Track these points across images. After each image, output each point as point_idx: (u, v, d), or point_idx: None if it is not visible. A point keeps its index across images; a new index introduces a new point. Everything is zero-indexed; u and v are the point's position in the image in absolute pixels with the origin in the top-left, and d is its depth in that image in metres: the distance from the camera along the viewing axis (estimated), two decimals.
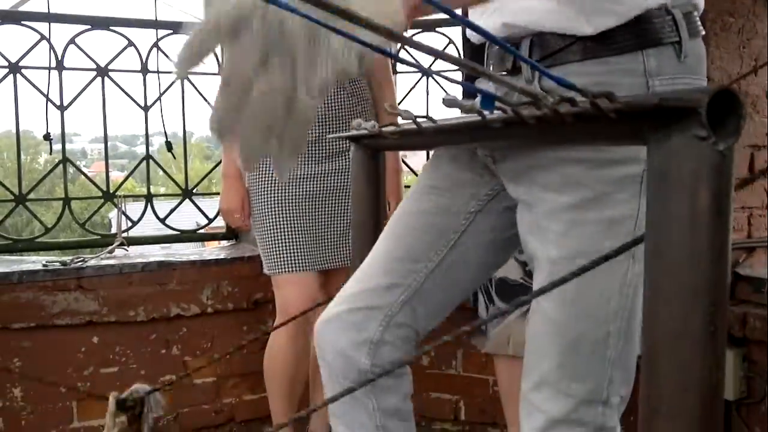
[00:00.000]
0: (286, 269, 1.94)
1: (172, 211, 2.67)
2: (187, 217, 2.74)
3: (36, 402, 2.19)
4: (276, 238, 1.94)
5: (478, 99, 0.76)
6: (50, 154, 2.53)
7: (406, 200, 1.21)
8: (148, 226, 2.76)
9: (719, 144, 0.57)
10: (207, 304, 2.38)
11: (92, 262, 2.26)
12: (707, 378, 0.57)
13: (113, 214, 2.56)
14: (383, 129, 1.12)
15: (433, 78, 2.73)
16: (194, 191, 2.65)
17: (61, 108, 2.39)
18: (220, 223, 2.77)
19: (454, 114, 0.96)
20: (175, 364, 2.36)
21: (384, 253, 1.18)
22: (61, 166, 2.46)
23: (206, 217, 2.77)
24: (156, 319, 2.32)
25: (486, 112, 0.74)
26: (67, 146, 2.51)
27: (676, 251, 0.57)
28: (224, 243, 2.78)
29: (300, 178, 1.95)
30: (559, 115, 0.64)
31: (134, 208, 2.56)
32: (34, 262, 2.28)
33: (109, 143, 2.74)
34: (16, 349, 2.15)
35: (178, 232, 2.66)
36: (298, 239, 1.94)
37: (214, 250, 2.62)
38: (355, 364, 1.14)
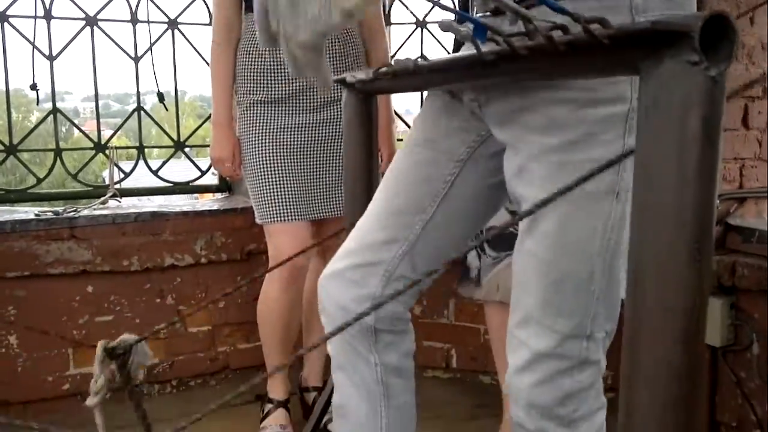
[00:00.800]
0: (278, 218, 1.94)
1: (164, 163, 2.67)
2: (180, 177, 2.73)
3: (32, 350, 2.21)
4: (267, 186, 1.94)
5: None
6: (37, 104, 2.51)
7: (398, 154, 1.22)
8: (141, 182, 2.76)
9: (711, 69, 0.57)
10: (200, 254, 2.39)
11: (85, 212, 2.26)
12: (691, 301, 0.58)
13: (107, 173, 2.55)
14: (377, 70, 1.11)
15: (427, 29, 2.70)
16: (186, 144, 2.64)
17: (50, 58, 2.36)
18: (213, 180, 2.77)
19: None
20: (169, 313, 2.37)
21: (380, 208, 1.19)
22: (51, 118, 2.43)
23: (199, 169, 2.76)
24: (150, 269, 2.33)
25: (480, 44, 0.74)
26: (59, 104, 2.48)
27: (665, 176, 0.57)
28: (217, 195, 2.78)
29: (291, 127, 1.94)
30: (552, 43, 0.63)
31: (127, 167, 2.54)
32: (26, 212, 2.28)
33: (101, 101, 2.70)
34: (10, 297, 2.17)
35: (171, 184, 2.66)
36: (289, 188, 1.94)
37: (207, 202, 2.62)
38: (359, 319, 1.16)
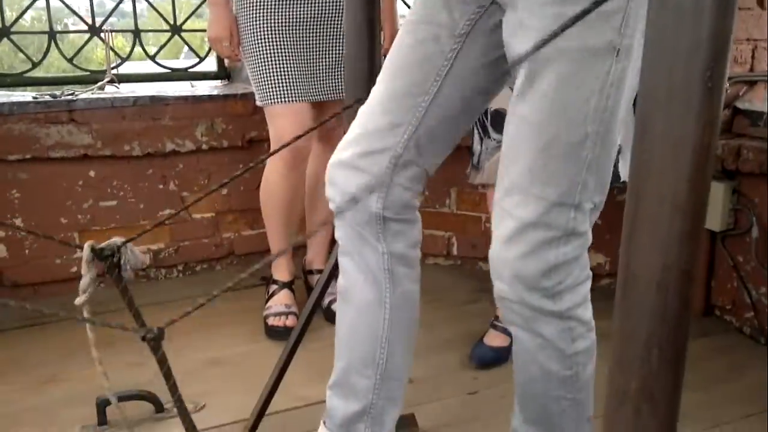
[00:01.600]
0: (279, 99, 1.91)
1: (161, 47, 2.61)
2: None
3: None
4: (267, 66, 1.89)
5: None
6: None
7: (399, 34, 1.18)
8: (138, 71, 2.70)
9: None
10: (201, 140, 2.37)
11: (83, 96, 2.22)
12: (701, 136, 0.57)
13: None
14: None
15: None
16: (183, 28, 2.57)
17: None
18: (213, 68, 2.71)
19: None
20: (173, 199, 2.39)
21: (383, 92, 1.16)
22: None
23: (197, 55, 2.70)
24: (151, 154, 2.32)
25: None
26: None
27: (680, 1, 0.54)
28: (216, 83, 2.73)
29: (290, 5, 1.87)
30: None
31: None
32: (23, 95, 2.25)
33: None
34: (13, 181, 2.17)
35: (169, 70, 2.61)
36: (290, 67, 1.89)
37: (206, 87, 2.57)
38: (367, 207, 1.16)
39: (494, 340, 1.91)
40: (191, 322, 2.05)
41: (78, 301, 1.04)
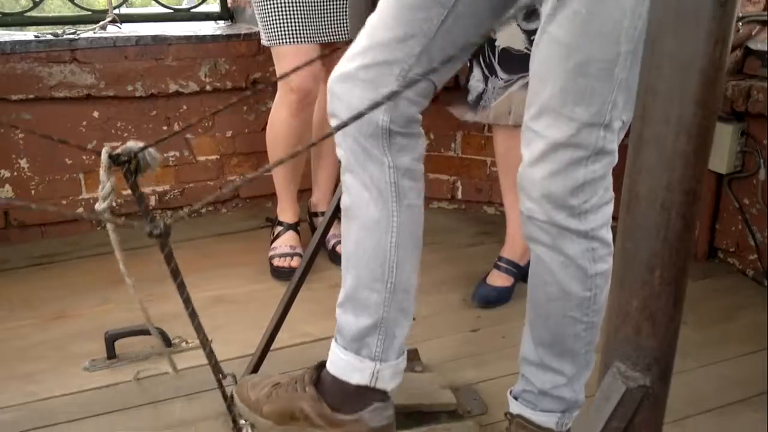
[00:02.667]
0: (286, 40, 1.88)
1: None
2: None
3: (43, 173, 2.24)
4: (275, 5, 1.86)
5: None
6: None
7: None
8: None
9: None
10: (205, 81, 2.35)
11: (85, 35, 2.19)
12: (711, 55, 0.56)
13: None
14: None
15: None
16: None
17: None
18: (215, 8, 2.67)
19: None
20: (177, 141, 2.38)
21: (394, 3, 1.10)
22: None
23: None
24: (155, 95, 2.30)
25: None
26: None
27: None
28: (220, 23, 2.69)
29: None
30: None
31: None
32: (24, 34, 2.22)
33: None
34: (17, 121, 2.16)
35: (171, 10, 2.57)
36: (298, 8, 1.85)
37: (209, 27, 2.53)
38: (373, 119, 1.12)
39: (497, 280, 1.92)
40: (197, 263, 2.08)
41: (98, 207, 1.05)
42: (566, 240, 1.07)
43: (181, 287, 0.96)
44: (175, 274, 0.94)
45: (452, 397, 1.46)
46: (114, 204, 2.17)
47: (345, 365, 1.22)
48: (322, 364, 1.26)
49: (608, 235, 1.10)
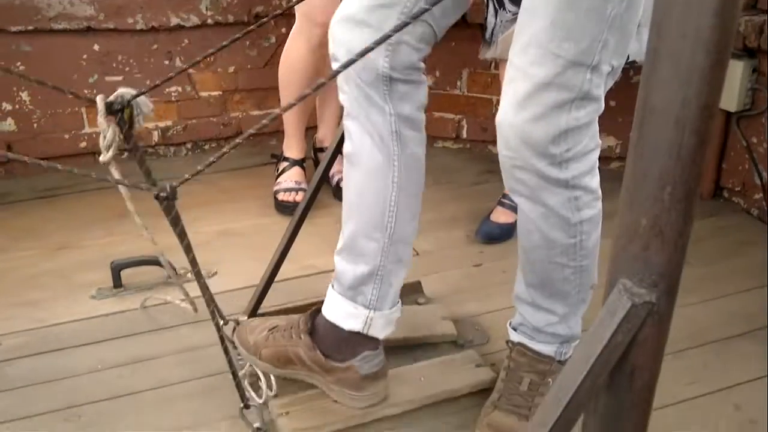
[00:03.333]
0: None
1: None
2: None
3: (45, 107, 2.22)
4: None
5: None
6: None
7: None
8: None
9: None
10: (207, 15, 2.30)
11: None
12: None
13: None
14: None
15: None
16: None
17: None
18: None
19: None
20: (180, 76, 2.34)
21: None
22: None
23: None
24: (156, 28, 2.26)
25: None
26: None
27: None
28: None
29: None
30: None
31: None
32: None
33: None
34: (17, 52, 2.13)
35: None
36: None
37: None
38: (373, 66, 1.11)
39: (501, 216, 1.92)
40: (202, 198, 2.08)
41: (103, 158, 1.02)
42: (546, 191, 1.05)
43: (187, 248, 0.97)
44: (182, 236, 0.95)
45: (453, 328, 1.49)
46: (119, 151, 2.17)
47: (340, 311, 1.24)
48: (316, 311, 1.28)
49: (592, 182, 1.08)
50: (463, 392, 1.32)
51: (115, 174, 1.10)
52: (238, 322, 1.38)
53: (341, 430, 1.24)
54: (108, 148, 1.02)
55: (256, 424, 1.23)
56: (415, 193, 1.23)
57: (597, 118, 1.04)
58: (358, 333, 1.23)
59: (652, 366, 0.66)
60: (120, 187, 1.05)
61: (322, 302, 1.28)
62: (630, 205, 0.61)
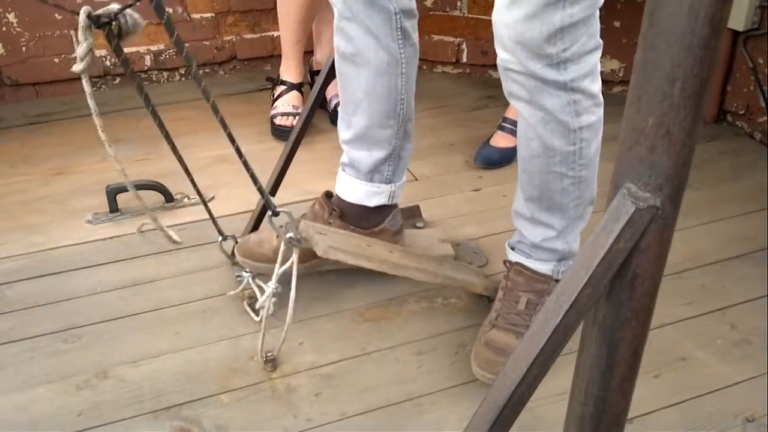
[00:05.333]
0: None
1: None
2: None
3: (33, 29, 2.15)
4: None
5: None
6: None
7: None
8: None
9: None
10: None
11: None
12: None
13: None
14: None
15: None
16: None
17: None
18: None
19: None
20: None
21: None
22: None
23: None
24: None
25: None
26: None
27: None
28: None
29: None
30: None
31: None
32: None
33: None
34: None
35: None
36: None
37: None
38: None
39: (500, 140, 1.90)
40: (197, 123, 2.04)
41: (76, 68, 1.01)
42: (544, 93, 1.04)
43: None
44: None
45: (451, 250, 1.48)
46: (109, 63, 2.11)
47: (362, 192, 1.36)
48: (328, 195, 1.40)
49: (593, 86, 1.06)
50: None
51: (87, 87, 1.09)
52: (236, 239, 1.40)
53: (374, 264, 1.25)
54: (82, 59, 1.00)
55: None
56: (415, 71, 1.29)
57: (596, 15, 1.01)
58: (383, 205, 1.38)
59: (654, 274, 0.65)
60: (93, 112, 1.05)
61: (326, 192, 1.40)
62: (637, 104, 0.58)
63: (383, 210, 1.39)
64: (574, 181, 1.13)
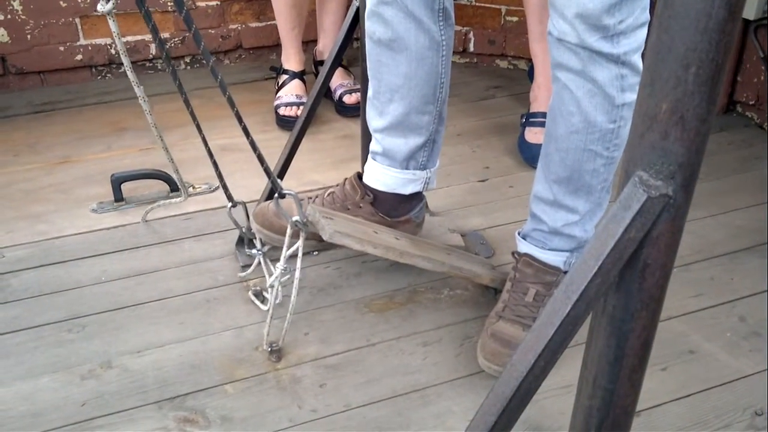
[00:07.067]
0: None
1: None
2: None
3: (38, 17, 2.14)
4: None
5: None
6: None
7: None
8: None
9: None
10: None
11: None
12: None
13: None
14: None
15: None
16: None
17: None
18: None
19: None
20: None
21: None
22: None
23: None
24: None
25: None
26: None
27: None
28: None
29: None
30: None
31: None
32: None
33: None
34: None
35: None
36: None
37: None
38: None
39: (539, 136, 1.86)
40: (202, 113, 2.01)
41: (101, 8, 1.05)
42: (596, 65, 1.04)
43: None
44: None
45: (460, 240, 1.47)
46: (114, 51, 2.10)
47: (396, 181, 1.33)
48: (360, 176, 1.37)
49: (639, 62, 1.06)
50: None
51: (113, 27, 1.11)
52: (245, 205, 1.39)
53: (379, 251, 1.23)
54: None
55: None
56: (452, 51, 1.27)
57: None
58: (417, 192, 1.37)
59: (665, 264, 0.64)
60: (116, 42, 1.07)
61: (357, 173, 1.38)
62: (650, 88, 0.57)
63: (414, 198, 1.38)
64: (607, 162, 1.13)
